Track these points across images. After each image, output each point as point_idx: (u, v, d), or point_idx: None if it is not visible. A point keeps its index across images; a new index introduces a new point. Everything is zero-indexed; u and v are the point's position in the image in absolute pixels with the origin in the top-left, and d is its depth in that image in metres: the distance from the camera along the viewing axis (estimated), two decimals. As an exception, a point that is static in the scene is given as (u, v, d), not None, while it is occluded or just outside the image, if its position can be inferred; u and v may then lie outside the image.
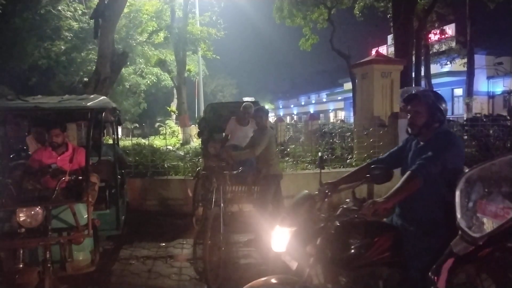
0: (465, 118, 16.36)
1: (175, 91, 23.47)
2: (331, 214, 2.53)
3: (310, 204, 2.62)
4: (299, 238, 2.51)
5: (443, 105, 2.53)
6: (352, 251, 2.38)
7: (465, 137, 9.72)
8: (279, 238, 2.62)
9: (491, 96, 28.05)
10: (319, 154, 3.24)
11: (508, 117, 13.01)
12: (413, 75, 14.51)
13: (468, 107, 21.26)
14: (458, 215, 1.06)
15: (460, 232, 1.03)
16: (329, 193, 2.71)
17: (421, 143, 2.57)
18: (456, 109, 27.94)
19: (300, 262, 2.46)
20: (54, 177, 3.88)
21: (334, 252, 2.40)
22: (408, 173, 2.40)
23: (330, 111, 47.58)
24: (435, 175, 2.33)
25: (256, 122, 5.56)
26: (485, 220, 1.04)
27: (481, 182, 1.06)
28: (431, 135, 2.51)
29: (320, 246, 2.41)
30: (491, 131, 9.83)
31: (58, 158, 4.30)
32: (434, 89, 23.02)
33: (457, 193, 1.04)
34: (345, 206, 2.51)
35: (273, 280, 2.27)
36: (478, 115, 15.04)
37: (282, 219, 2.66)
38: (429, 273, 1.06)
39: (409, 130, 2.60)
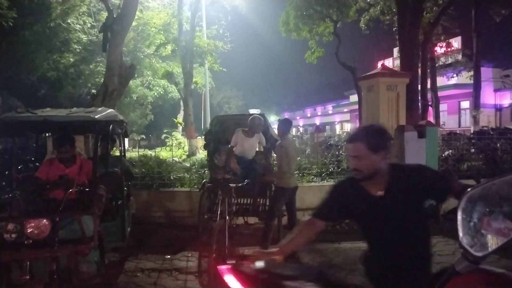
0: (472, 131, 16.28)
1: (181, 103, 23.65)
2: None
3: None
4: None
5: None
6: None
7: (472, 150, 9.66)
8: None
9: (498, 109, 27.89)
10: None
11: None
12: (419, 88, 14.51)
13: (475, 120, 21.12)
14: (460, 234, 1.06)
15: (462, 251, 1.03)
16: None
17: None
18: (463, 122, 27.83)
19: None
20: (63, 186, 3.91)
21: None
22: None
23: (336, 123, 47.49)
24: None
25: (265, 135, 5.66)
26: (487, 238, 1.05)
27: (482, 201, 1.07)
28: None
29: None
30: (498, 144, 9.76)
31: (66, 170, 4.33)
32: (441, 102, 23.16)
33: (459, 212, 1.04)
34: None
35: None
36: (485, 128, 14.95)
37: None
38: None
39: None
